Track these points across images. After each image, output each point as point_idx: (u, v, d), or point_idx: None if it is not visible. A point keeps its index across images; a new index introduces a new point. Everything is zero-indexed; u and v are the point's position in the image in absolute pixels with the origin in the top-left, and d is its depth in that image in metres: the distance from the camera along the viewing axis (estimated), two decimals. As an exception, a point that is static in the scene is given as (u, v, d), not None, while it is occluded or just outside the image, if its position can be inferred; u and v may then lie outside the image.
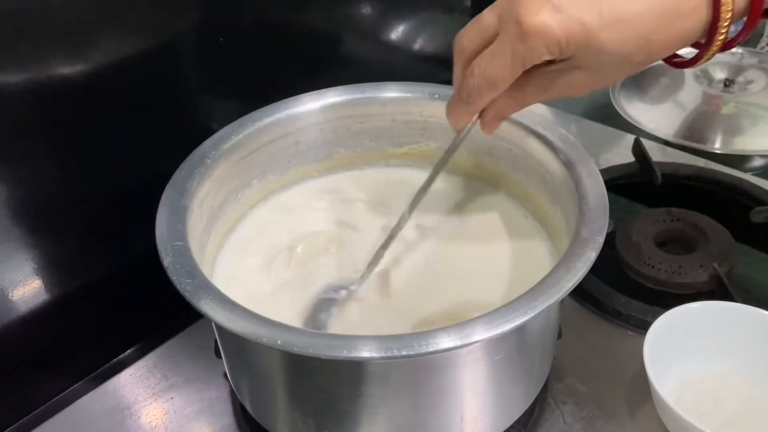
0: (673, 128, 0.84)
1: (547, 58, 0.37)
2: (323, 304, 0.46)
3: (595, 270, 0.57)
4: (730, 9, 0.36)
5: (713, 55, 0.39)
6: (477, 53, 0.39)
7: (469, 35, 0.40)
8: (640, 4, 0.36)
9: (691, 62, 0.41)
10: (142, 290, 0.54)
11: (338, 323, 0.45)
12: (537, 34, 0.36)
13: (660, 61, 0.41)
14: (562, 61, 0.38)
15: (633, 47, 0.37)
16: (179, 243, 0.41)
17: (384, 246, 0.47)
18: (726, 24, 0.37)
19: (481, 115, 0.43)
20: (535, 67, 0.38)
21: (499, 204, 0.54)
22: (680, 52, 0.40)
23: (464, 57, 0.40)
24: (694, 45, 0.39)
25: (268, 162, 0.53)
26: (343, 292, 0.47)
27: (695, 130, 0.84)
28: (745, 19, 0.38)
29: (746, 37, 0.39)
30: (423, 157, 0.56)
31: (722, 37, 0.37)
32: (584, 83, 0.39)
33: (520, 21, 0.36)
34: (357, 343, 0.35)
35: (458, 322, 0.35)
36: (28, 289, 0.50)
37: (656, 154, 0.75)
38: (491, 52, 0.38)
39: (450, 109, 0.43)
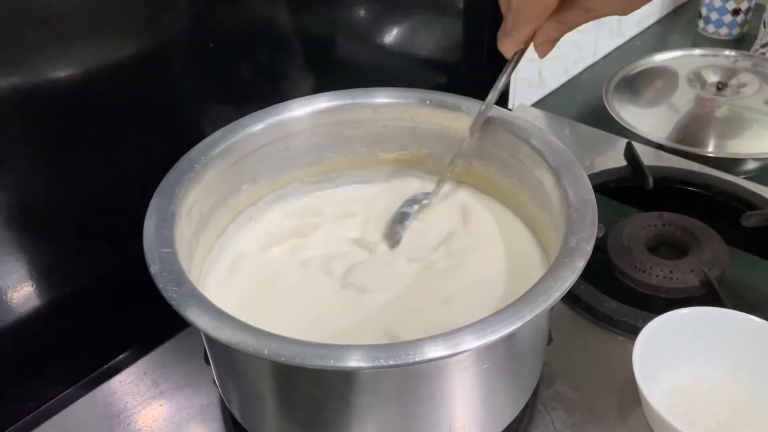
0: (666, 132, 0.84)
1: None
2: (400, 218, 0.53)
3: (586, 275, 0.57)
4: None
5: None
6: None
7: None
8: None
9: None
10: (132, 296, 0.54)
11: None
12: None
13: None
14: None
15: None
16: (167, 250, 0.41)
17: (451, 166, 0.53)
18: None
19: (533, 38, 0.45)
20: None
21: (490, 210, 0.54)
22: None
23: None
24: None
25: (258, 167, 0.53)
26: (416, 206, 0.53)
27: (688, 133, 0.84)
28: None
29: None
30: (415, 162, 0.56)
31: None
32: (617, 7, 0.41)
33: None
34: (344, 353, 0.35)
35: (446, 332, 0.35)
36: (18, 294, 0.50)
37: (650, 157, 0.75)
38: None
39: (499, 40, 0.46)
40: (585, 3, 0.42)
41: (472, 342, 0.35)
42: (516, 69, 0.48)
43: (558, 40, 0.45)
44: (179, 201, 0.45)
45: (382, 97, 0.54)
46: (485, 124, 0.51)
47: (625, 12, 0.42)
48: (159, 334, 0.57)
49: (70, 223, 0.52)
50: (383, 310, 0.46)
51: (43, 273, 0.51)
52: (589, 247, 0.40)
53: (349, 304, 0.47)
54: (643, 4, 0.41)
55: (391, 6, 0.67)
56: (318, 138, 0.54)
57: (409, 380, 0.39)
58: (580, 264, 0.39)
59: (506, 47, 0.46)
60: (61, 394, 0.55)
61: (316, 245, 0.52)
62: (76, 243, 0.53)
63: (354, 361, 0.34)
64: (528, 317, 0.36)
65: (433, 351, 0.35)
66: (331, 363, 0.34)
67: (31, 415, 0.53)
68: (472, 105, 0.51)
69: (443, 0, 0.73)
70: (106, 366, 0.57)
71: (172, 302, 0.38)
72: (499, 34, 0.45)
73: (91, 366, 0.56)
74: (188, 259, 0.44)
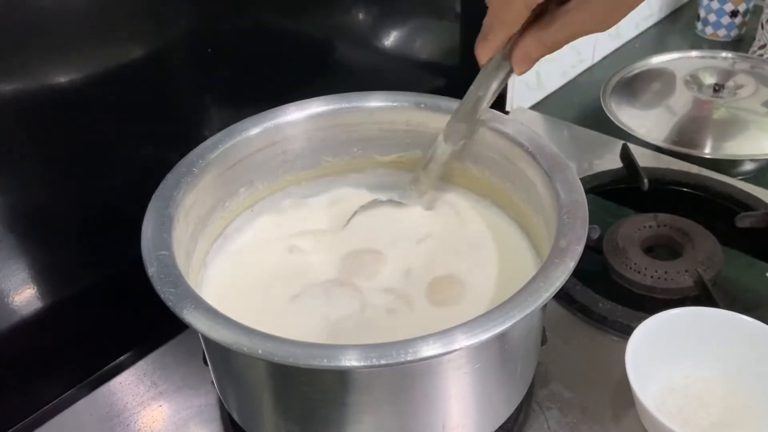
0: (664, 134, 0.84)
1: None
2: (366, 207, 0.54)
3: (581, 276, 0.59)
4: None
5: None
6: None
7: None
8: None
9: None
10: (132, 299, 0.55)
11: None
12: None
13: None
14: None
15: None
16: (164, 252, 0.41)
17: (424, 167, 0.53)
18: None
19: (511, 55, 0.44)
20: (556, 7, 0.40)
21: (484, 212, 0.54)
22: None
23: None
24: None
25: (255, 171, 0.53)
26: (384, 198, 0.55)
27: (686, 135, 0.84)
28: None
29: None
30: (410, 165, 0.57)
31: None
32: (602, 16, 0.40)
33: None
34: (337, 352, 0.35)
35: (438, 332, 0.36)
36: (19, 297, 0.51)
37: (647, 159, 0.76)
38: None
39: (476, 46, 0.45)
40: (563, 21, 0.41)
41: (463, 341, 0.35)
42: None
43: (537, 60, 0.44)
44: (177, 204, 0.45)
45: (378, 101, 0.54)
46: (484, 127, 0.51)
47: (603, 29, 0.41)
48: (158, 337, 0.58)
49: (70, 226, 0.52)
50: (377, 312, 0.47)
51: (43, 276, 0.52)
52: (580, 248, 0.40)
53: (345, 305, 0.48)
54: (621, 19, 0.41)
55: (388, 10, 0.68)
56: (314, 141, 0.55)
57: (402, 379, 0.39)
58: (570, 264, 0.39)
59: (481, 52, 0.45)
60: (62, 396, 0.55)
61: (313, 248, 0.53)
62: (76, 246, 0.53)
63: (347, 361, 0.35)
64: (518, 317, 0.36)
65: (426, 350, 0.35)
66: (324, 362, 0.35)
67: (33, 416, 0.54)
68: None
69: (440, 4, 0.74)
70: (106, 368, 0.57)
71: (169, 303, 0.38)
72: (477, 40, 0.45)
73: (92, 368, 0.57)
74: (186, 262, 0.45)
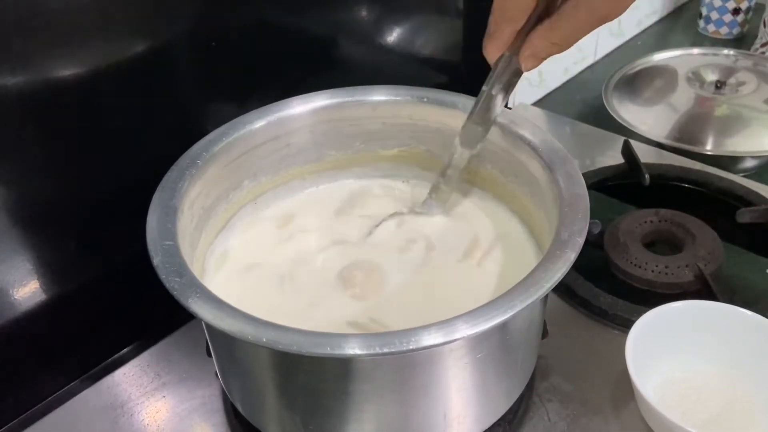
0: (666, 130, 0.85)
1: None
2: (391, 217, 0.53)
3: (583, 270, 0.59)
4: None
5: None
6: None
7: None
8: None
9: None
10: (137, 289, 0.55)
11: None
12: None
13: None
14: None
15: None
16: (169, 242, 0.42)
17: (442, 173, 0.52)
18: None
19: (520, 51, 0.43)
20: (562, 3, 0.40)
21: (486, 206, 0.55)
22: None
23: None
24: None
25: (259, 164, 0.54)
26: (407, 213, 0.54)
27: (687, 132, 0.84)
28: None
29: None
30: (414, 159, 0.57)
31: None
32: (607, 7, 0.39)
33: None
34: (340, 341, 0.36)
35: (440, 321, 0.36)
36: (24, 289, 0.51)
37: (649, 156, 0.76)
38: None
39: (483, 44, 0.45)
40: (570, 17, 0.40)
41: (465, 330, 0.36)
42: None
43: (545, 59, 0.44)
44: (181, 196, 0.45)
45: (381, 95, 0.55)
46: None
47: (611, 19, 0.40)
48: (162, 328, 0.58)
49: (75, 218, 0.53)
50: (379, 303, 0.47)
51: (47, 268, 0.52)
52: (581, 240, 0.40)
53: (346, 297, 0.48)
54: (626, 8, 0.40)
55: (392, 5, 0.68)
56: (318, 135, 0.55)
57: (404, 369, 0.40)
58: (571, 256, 0.39)
59: (489, 50, 0.44)
60: (66, 387, 0.56)
61: (316, 240, 0.53)
62: (80, 237, 0.53)
63: (350, 349, 0.35)
64: (520, 307, 0.37)
65: (427, 339, 0.35)
66: (328, 351, 0.35)
67: (37, 406, 0.54)
68: (468, 102, 0.52)
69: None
70: (110, 359, 0.58)
71: (174, 293, 0.38)
72: (484, 38, 0.44)
73: (95, 359, 0.57)
74: (190, 252, 0.45)
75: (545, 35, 0.42)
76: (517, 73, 0.45)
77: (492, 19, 0.43)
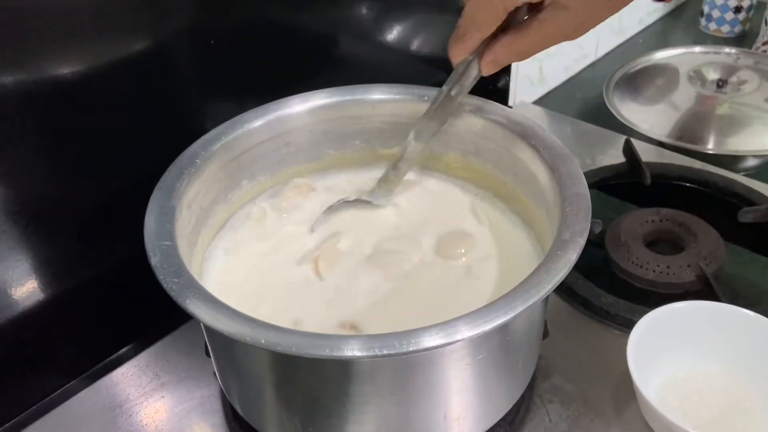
0: (667, 129, 0.84)
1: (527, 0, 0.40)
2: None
3: (584, 270, 0.59)
4: None
5: None
6: None
7: None
8: None
9: None
10: (135, 289, 0.55)
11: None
12: None
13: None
14: (550, 5, 0.41)
15: None
16: (167, 243, 0.41)
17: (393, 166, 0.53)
18: None
19: (482, 55, 0.46)
20: (529, 15, 0.42)
21: (486, 205, 0.54)
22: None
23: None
24: None
25: (258, 163, 0.53)
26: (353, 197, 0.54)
27: (689, 130, 0.84)
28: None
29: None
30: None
31: None
32: (574, 24, 0.42)
33: None
34: (340, 342, 0.35)
35: (440, 322, 0.36)
36: (22, 288, 0.51)
37: (650, 154, 0.76)
38: None
39: (449, 46, 0.46)
40: (535, 30, 0.42)
41: (465, 332, 0.36)
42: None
43: (504, 65, 0.46)
44: (180, 195, 0.45)
45: (380, 94, 0.54)
46: (486, 119, 0.51)
47: (574, 37, 0.43)
48: (160, 328, 0.58)
49: (73, 218, 0.52)
50: (378, 304, 0.47)
51: (46, 267, 0.52)
52: (582, 240, 0.40)
53: (346, 298, 0.48)
54: (593, 27, 0.42)
55: (392, 4, 0.67)
56: (317, 134, 0.55)
57: (404, 370, 0.39)
58: (572, 256, 0.39)
59: (455, 52, 0.46)
60: (65, 386, 0.55)
61: (314, 240, 0.53)
62: (78, 237, 0.53)
63: (349, 351, 0.35)
64: (521, 308, 0.36)
65: (428, 341, 0.35)
66: (327, 352, 0.35)
67: (36, 406, 0.54)
68: (467, 101, 0.52)
69: (443, -2, 0.74)
70: (108, 359, 0.57)
71: (172, 293, 0.38)
72: (450, 39, 0.46)
73: (94, 359, 0.57)
74: (188, 252, 0.45)
75: (509, 46, 0.44)
76: (476, 76, 0.48)
77: (462, 24, 0.44)
